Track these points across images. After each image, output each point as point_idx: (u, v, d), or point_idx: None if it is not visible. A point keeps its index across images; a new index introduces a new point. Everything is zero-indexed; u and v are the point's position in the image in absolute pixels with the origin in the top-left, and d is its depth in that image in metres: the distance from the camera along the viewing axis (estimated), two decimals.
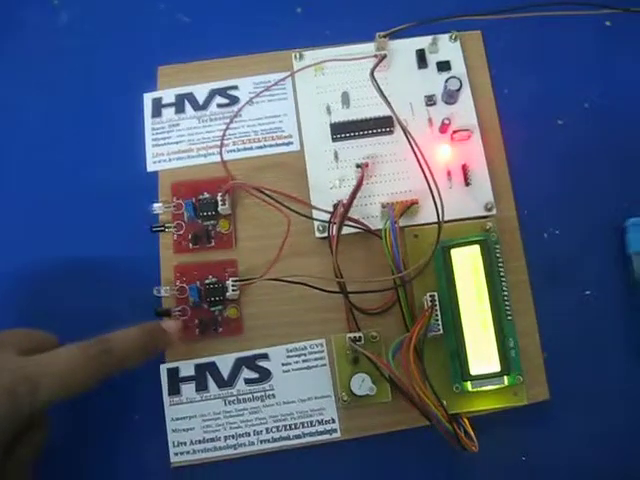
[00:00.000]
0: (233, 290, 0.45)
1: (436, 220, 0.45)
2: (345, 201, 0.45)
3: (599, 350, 0.47)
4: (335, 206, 0.45)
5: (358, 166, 0.47)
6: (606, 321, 0.48)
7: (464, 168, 0.47)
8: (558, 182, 0.50)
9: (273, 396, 0.45)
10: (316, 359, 0.46)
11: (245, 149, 0.49)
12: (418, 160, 0.44)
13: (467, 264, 0.45)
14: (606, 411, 0.47)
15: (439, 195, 0.43)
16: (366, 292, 0.45)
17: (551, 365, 0.47)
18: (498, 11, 0.49)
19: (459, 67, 0.50)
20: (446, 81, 0.48)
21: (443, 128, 0.48)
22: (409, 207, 0.46)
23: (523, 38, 0.53)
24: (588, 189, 0.50)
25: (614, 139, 0.51)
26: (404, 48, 0.50)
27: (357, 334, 0.44)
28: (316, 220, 0.46)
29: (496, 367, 0.44)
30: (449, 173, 0.47)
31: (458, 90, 0.48)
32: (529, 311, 0.47)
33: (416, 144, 0.44)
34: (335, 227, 0.44)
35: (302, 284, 0.44)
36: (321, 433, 0.45)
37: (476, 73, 0.51)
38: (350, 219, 0.46)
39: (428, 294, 0.44)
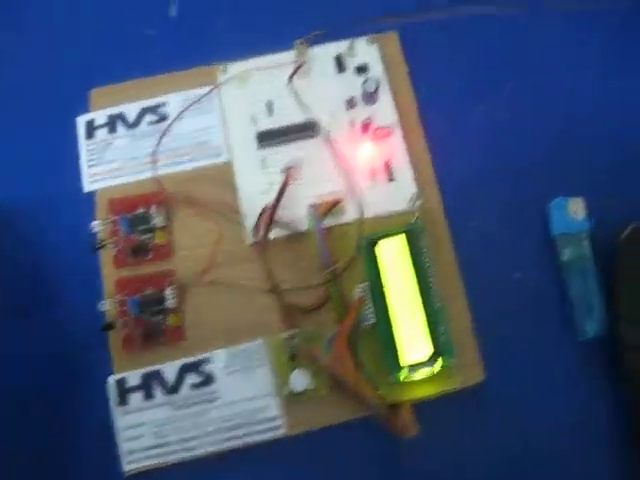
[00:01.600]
0: (172, 299, 0.46)
1: (366, 217, 0.48)
2: (270, 205, 0.46)
3: (531, 331, 0.49)
4: (261, 212, 0.46)
5: (283, 170, 0.48)
6: (536, 302, 0.50)
7: (387, 165, 0.49)
8: (481, 169, 0.52)
9: (218, 398, 0.46)
10: (257, 359, 0.47)
11: (177, 163, 0.51)
12: (336, 159, 0.46)
13: (394, 254, 0.47)
14: (540, 389, 0.48)
15: (355, 194, 0.47)
16: (298, 289, 0.46)
17: (485, 348, 0.48)
18: (413, 13, 0.50)
19: (377, 69, 0.52)
20: (363, 83, 0.49)
21: (364, 128, 0.49)
22: (334, 206, 0.47)
23: (440, 36, 0.54)
24: (512, 173, 0.52)
25: (536, 121, 0.53)
26: (323, 54, 0.52)
27: (292, 332, 0.45)
28: (246, 227, 0.47)
29: (428, 353, 0.45)
30: (373, 171, 0.49)
31: (375, 91, 0.49)
32: (460, 297, 0.48)
33: (332, 146, 0.46)
34: (261, 232, 0.45)
35: (236, 286, 0.45)
36: (267, 430, 0.46)
37: (395, 72, 0.53)
38: (279, 223, 0.47)
39: (359, 285, 0.45)
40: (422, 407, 0.46)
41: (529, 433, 0.48)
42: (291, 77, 0.49)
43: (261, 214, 0.46)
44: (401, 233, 0.47)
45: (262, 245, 0.46)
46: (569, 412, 0.48)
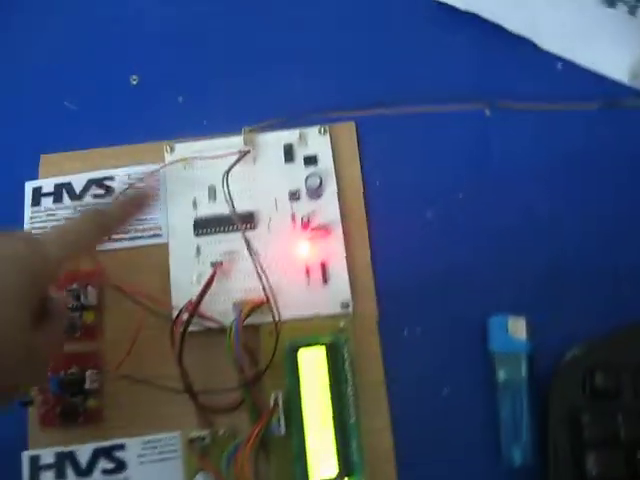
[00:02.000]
0: (91, 382, 0.46)
1: (292, 317, 0.48)
2: (193, 300, 0.45)
3: (454, 452, 0.47)
4: (181, 309, 0.45)
5: (212, 264, 0.47)
6: (463, 422, 0.48)
7: (323, 265, 0.48)
8: (424, 276, 0.50)
9: None
10: (170, 451, 0.47)
11: (118, 239, 0.50)
12: (254, 260, 0.47)
13: (314, 365, 0.46)
14: None
15: (272, 297, 0.46)
16: (211, 392, 0.45)
17: (404, 465, 0.47)
18: (369, 106, 0.49)
19: (326, 161, 0.50)
20: (306, 179, 0.48)
21: (304, 225, 0.48)
22: (258, 307, 0.46)
23: (397, 131, 0.53)
24: (454, 284, 0.50)
25: (482, 231, 0.50)
26: (273, 142, 0.51)
27: (201, 433, 0.45)
28: (169, 319, 0.48)
29: (334, 471, 0.44)
30: (307, 270, 0.48)
31: (318, 188, 0.48)
32: (382, 410, 0.47)
33: (252, 246, 0.48)
34: (178, 326, 0.44)
35: (148, 383, 0.45)
36: None
37: (346, 165, 0.51)
38: (203, 316, 0.46)
39: (273, 394, 0.45)
40: None
41: None
42: (229, 169, 0.47)
43: (182, 310, 0.45)
44: (322, 344, 0.45)
45: (176, 343, 0.44)
46: None
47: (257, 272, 0.45)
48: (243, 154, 0.49)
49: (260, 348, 0.47)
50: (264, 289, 0.45)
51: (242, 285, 0.48)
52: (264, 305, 0.47)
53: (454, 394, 0.48)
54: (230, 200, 0.46)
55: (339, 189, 0.50)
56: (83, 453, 0.47)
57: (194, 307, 0.45)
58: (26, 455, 0.48)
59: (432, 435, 0.48)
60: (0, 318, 0.34)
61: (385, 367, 0.48)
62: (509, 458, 0.46)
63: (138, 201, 0.47)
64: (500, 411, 0.47)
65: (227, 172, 0.47)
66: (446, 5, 0.55)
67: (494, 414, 0.47)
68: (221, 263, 0.47)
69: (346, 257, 0.49)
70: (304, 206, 0.49)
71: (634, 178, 0.52)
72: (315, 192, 0.48)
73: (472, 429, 0.48)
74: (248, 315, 0.46)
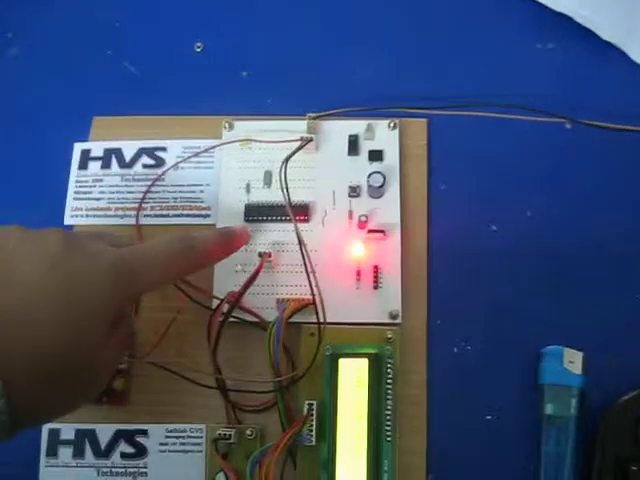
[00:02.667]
0: (120, 363, 0.44)
1: (337, 321, 0.45)
2: (236, 291, 0.43)
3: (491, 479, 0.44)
4: (222, 299, 0.43)
5: (260, 255, 0.44)
6: (503, 451, 0.45)
7: (375, 269, 0.45)
8: (480, 295, 0.47)
9: (145, 474, 0.45)
10: (193, 444, 0.45)
11: (162, 215, 0.48)
12: (304, 258, 0.44)
13: (353, 376, 0.43)
14: None
15: (319, 299, 0.43)
16: (242, 392, 0.43)
17: None
18: (445, 106, 0.46)
19: (393, 158, 0.47)
20: (369, 176, 0.45)
21: (360, 224, 0.45)
22: (303, 307, 0.43)
23: (471, 135, 0.49)
24: (510, 306, 0.47)
25: (547, 256, 0.47)
26: (337, 131, 0.48)
27: (227, 431, 0.43)
28: (209, 309, 0.45)
29: None
30: (359, 273, 0.45)
31: (381, 187, 0.45)
32: (420, 429, 0.45)
33: (304, 242, 0.44)
34: (217, 317, 0.42)
35: (178, 374, 0.43)
36: None
37: (412, 165, 0.48)
38: (244, 308, 0.44)
39: (307, 402, 0.42)
40: None
41: None
42: (289, 157, 0.44)
43: (223, 300, 0.43)
44: (365, 356, 0.42)
45: (216, 335, 0.42)
46: None
47: (306, 270, 0.42)
48: (305, 142, 0.46)
49: (299, 349, 0.44)
50: (312, 289, 0.42)
51: (288, 280, 0.46)
52: (310, 306, 0.43)
53: (497, 422, 0.45)
54: (286, 190, 0.43)
55: (402, 190, 0.47)
56: (104, 433, 0.46)
57: (236, 298, 0.43)
58: (46, 428, 0.45)
59: (468, 462, 0.45)
60: (81, 325, 0.34)
61: (429, 384, 0.45)
62: None
63: (229, 240, 0.45)
64: (543, 446, 0.44)
65: (287, 159, 0.44)
66: (539, 4, 0.50)
67: (537, 449, 0.44)
68: (269, 254, 0.45)
69: (401, 264, 0.45)
70: (363, 204, 0.46)
71: None
72: (376, 190, 0.45)
73: (511, 461, 0.45)
74: (292, 315, 0.43)
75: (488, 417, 0.45)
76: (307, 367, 0.43)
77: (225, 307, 0.43)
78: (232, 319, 0.44)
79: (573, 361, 0.45)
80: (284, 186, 0.43)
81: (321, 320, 0.43)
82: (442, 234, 0.47)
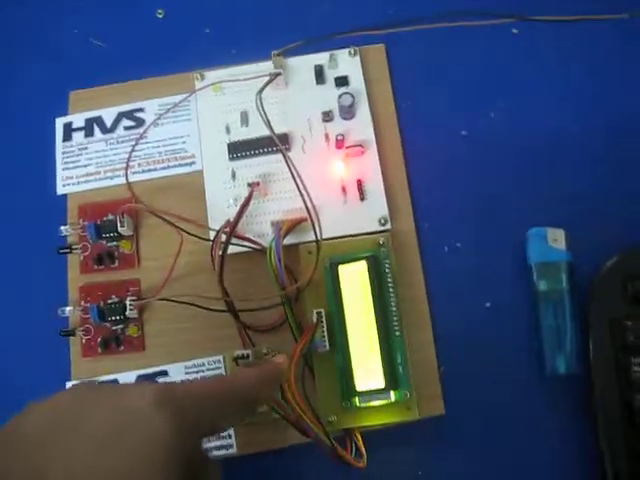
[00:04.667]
0: (131, 309, 0.46)
1: (331, 236, 0.47)
2: (231, 220, 0.45)
3: (498, 363, 0.47)
4: (221, 227, 0.45)
5: (249, 185, 0.47)
6: (506, 334, 0.48)
7: (359, 183, 0.48)
8: (461, 194, 0.49)
9: None
10: (214, 375, 0.46)
11: (150, 170, 0.50)
12: (295, 179, 0.45)
13: (355, 280, 0.45)
14: (504, 425, 0.47)
15: (314, 215, 0.46)
16: (253, 310, 0.45)
17: (448, 379, 0.47)
18: (398, 24, 0.48)
19: (357, 82, 0.50)
20: (339, 97, 0.48)
21: (338, 144, 0.48)
22: (297, 224, 0.46)
23: (428, 50, 0.53)
24: (492, 200, 0.50)
25: (518, 148, 0.50)
26: (303, 65, 0.51)
27: (245, 351, 0.44)
28: (208, 240, 0.47)
29: (381, 383, 0.43)
30: (344, 189, 0.48)
31: (351, 106, 0.48)
32: (425, 325, 0.47)
33: (292, 164, 0.46)
34: (217, 247, 0.44)
35: (190, 304, 0.45)
36: (219, 448, 0.46)
37: (377, 86, 0.51)
38: (242, 237, 0.46)
39: (315, 310, 0.44)
40: (377, 437, 0.45)
41: (490, 468, 0.46)
42: (261, 90, 0.47)
43: (220, 229, 0.45)
44: (362, 259, 0.45)
45: (216, 260, 0.44)
46: (535, 450, 0.46)
47: (298, 189, 0.44)
48: (274, 76, 0.49)
49: (299, 268, 0.46)
50: (306, 205, 0.44)
51: (280, 206, 0.48)
52: (302, 224, 0.46)
53: (496, 307, 0.48)
54: (266, 118, 0.45)
55: (371, 109, 0.50)
56: (126, 381, 0.47)
57: (232, 226, 0.45)
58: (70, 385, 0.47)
59: (476, 347, 0.48)
60: None
61: (426, 282, 0.47)
62: (553, 367, 0.46)
63: (272, 376, 0.41)
64: (542, 321, 0.46)
65: (260, 91, 0.47)
66: None
67: (537, 325, 0.47)
68: (258, 183, 0.47)
69: (382, 175, 0.48)
70: (337, 126, 0.49)
71: None
72: (348, 111, 0.48)
73: (515, 340, 0.48)
74: (287, 232, 0.45)
75: (487, 304, 0.47)
76: (310, 277, 0.44)
77: (224, 237, 0.45)
78: (233, 250, 0.46)
79: (556, 239, 0.47)
80: (263, 116, 0.46)
81: (317, 233, 0.45)
82: (415, 143, 0.50)
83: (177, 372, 0.47)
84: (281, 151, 0.45)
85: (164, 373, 0.47)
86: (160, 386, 0.33)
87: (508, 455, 0.46)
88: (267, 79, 0.49)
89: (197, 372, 0.47)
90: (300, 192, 0.44)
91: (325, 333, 0.44)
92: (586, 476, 0.45)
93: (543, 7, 0.52)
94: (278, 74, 0.49)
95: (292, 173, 0.44)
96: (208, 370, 0.47)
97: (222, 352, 0.47)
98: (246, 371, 0.41)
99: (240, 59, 0.52)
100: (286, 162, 0.44)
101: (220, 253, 0.45)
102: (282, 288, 0.44)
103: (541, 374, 0.46)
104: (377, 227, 0.47)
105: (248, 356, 0.44)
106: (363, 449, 0.44)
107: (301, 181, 0.44)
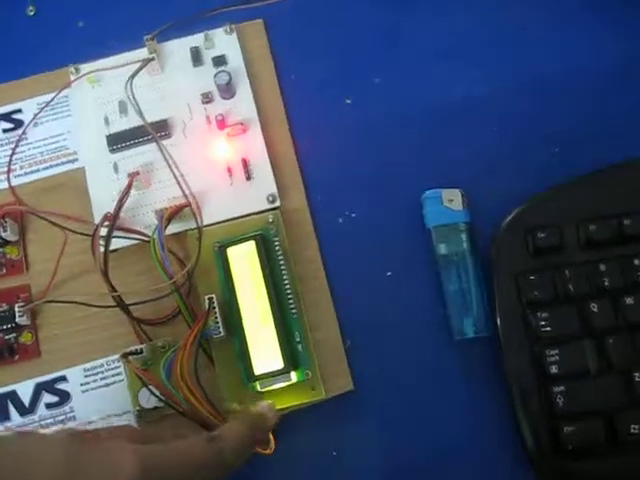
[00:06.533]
0: (20, 316, 0.44)
1: (221, 219, 0.46)
2: (111, 213, 0.43)
3: (405, 333, 0.46)
4: (98, 223, 0.43)
5: (129, 175, 0.45)
6: (411, 301, 0.47)
7: (244, 162, 0.46)
8: (352, 164, 0.48)
9: (74, 418, 0.44)
10: (113, 375, 0.45)
11: (33, 172, 0.49)
12: (170, 166, 0.45)
13: (245, 262, 0.44)
14: (417, 394, 0.46)
15: (198, 199, 0.46)
16: (144, 302, 0.43)
17: (356, 354, 0.46)
18: None
19: (236, 59, 0.49)
20: (215, 76, 0.46)
21: (219, 125, 0.46)
22: (179, 211, 0.44)
23: (308, 19, 0.51)
24: (384, 167, 0.49)
25: (406, 112, 0.49)
26: (178, 47, 0.50)
27: (138, 347, 0.43)
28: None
29: (280, 364, 0.42)
30: (230, 170, 0.46)
31: (228, 84, 0.46)
32: (326, 301, 0.46)
33: (167, 152, 0.46)
34: (97, 241, 0.42)
35: (79, 303, 0.44)
36: None
37: (257, 62, 0.50)
38: (127, 229, 0.44)
39: (206, 297, 0.43)
40: (288, 420, 0.44)
41: (406, 440, 0.45)
42: (132, 77, 0.45)
43: (99, 224, 0.43)
44: (251, 239, 0.43)
45: (104, 256, 0.43)
46: (451, 417, 0.45)
47: (174, 175, 0.43)
48: (147, 61, 0.47)
49: (190, 255, 0.44)
50: (183, 192, 0.43)
51: (165, 195, 0.47)
52: (187, 209, 0.44)
53: (398, 275, 0.47)
54: (137, 106, 0.44)
55: (253, 87, 0.49)
56: (25, 390, 0.46)
57: (113, 218, 0.43)
58: None
59: (381, 318, 0.46)
60: None
61: (323, 257, 0.46)
62: (461, 331, 0.45)
63: (256, 432, 0.41)
64: (446, 285, 0.45)
65: (131, 78, 0.45)
66: None
67: (441, 289, 0.45)
68: (137, 172, 0.45)
69: (268, 151, 0.47)
70: (218, 107, 0.48)
71: (558, 37, 0.50)
72: (227, 90, 0.47)
73: (421, 307, 0.46)
74: (170, 220, 0.44)
75: (389, 273, 0.46)
76: (194, 263, 0.42)
77: (105, 231, 0.43)
78: (123, 244, 0.45)
79: (452, 199, 0.46)
80: (134, 104, 0.44)
81: (198, 219, 0.45)
82: (301, 117, 0.49)
83: (76, 376, 0.45)
84: (155, 139, 0.43)
85: (63, 378, 0.45)
86: (144, 453, 0.33)
87: (423, 425, 0.45)
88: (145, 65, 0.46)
89: (96, 374, 0.45)
90: (176, 179, 0.42)
91: (219, 319, 0.43)
92: (505, 440, 0.44)
93: None
94: (150, 59, 0.47)
95: (167, 160, 0.42)
96: (107, 371, 0.45)
97: (120, 351, 0.45)
98: (231, 435, 0.38)
99: (118, 49, 0.50)
100: (160, 149, 0.42)
101: (103, 248, 0.43)
102: (170, 277, 0.42)
103: (450, 339, 0.45)
104: (266, 205, 0.46)
105: (141, 351, 0.43)
106: (270, 434, 0.42)
107: (177, 168, 0.44)
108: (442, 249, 0.46)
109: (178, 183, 0.43)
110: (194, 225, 0.45)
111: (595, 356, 0.43)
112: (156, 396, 0.41)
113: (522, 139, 0.48)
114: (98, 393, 0.45)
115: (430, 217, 0.46)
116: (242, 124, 0.46)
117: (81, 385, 0.45)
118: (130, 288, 0.45)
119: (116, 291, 0.43)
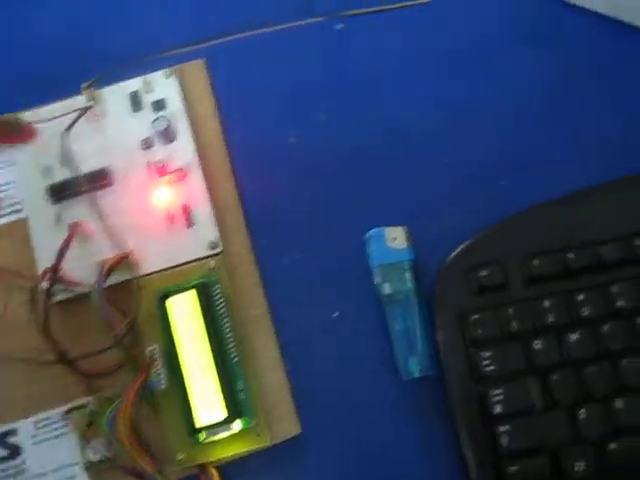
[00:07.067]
0: None
1: (163, 267, 0.46)
2: (51, 266, 0.43)
3: (353, 374, 0.46)
4: (42, 274, 0.43)
5: (69, 227, 0.45)
6: (358, 342, 0.47)
7: (185, 209, 0.46)
8: (296, 203, 0.48)
9: (25, 471, 0.45)
10: (63, 427, 0.45)
11: None
12: (102, 217, 0.45)
13: (186, 311, 0.44)
14: (365, 435, 0.46)
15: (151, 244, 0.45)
16: (85, 357, 0.43)
17: (303, 397, 0.46)
18: (215, 36, 0.47)
19: (176, 103, 0.48)
20: (152, 123, 0.46)
21: (159, 171, 0.46)
22: (120, 262, 0.44)
23: (250, 58, 0.51)
24: (328, 206, 0.48)
25: (351, 148, 0.49)
26: (117, 93, 0.49)
27: (81, 401, 0.43)
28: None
29: (223, 414, 0.42)
30: (171, 217, 0.46)
31: (167, 130, 0.46)
32: (271, 345, 0.46)
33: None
34: (36, 296, 0.42)
35: (19, 359, 0.44)
36: None
37: (198, 105, 0.49)
38: (69, 282, 0.44)
39: (148, 348, 0.43)
40: (235, 468, 0.45)
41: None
42: (69, 128, 0.45)
43: (41, 277, 0.43)
44: (192, 288, 0.43)
45: (44, 311, 0.43)
46: (400, 457, 0.45)
47: (107, 229, 0.43)
48: (83, 111, 0.46)
49: (128, 307, 0.44)
50: (116, 244, 0.44)
51: (109, 245, 0.46)
52: (128, 260, 0.44)
53: (345, 316, 0.47)
54: (75, 156, 0.44)
55: (195, 129, 0.48)
56: None
57: (53, 270, 0.43)
58: None
59: (329, 361, 0.46)
60: None
61: (269, 300, 0.46)
62: (407, 370, 0.44)
63: None
64: (391, 325, 0.45)
65: (69, 128, 0.45)
66: None
67: (387, 329, 0.46)
68: (79, 223, 0.45)
69: (210, 196, 0.47)
70: (159, 152, 0.47)
71: (480, 67, 0.49)
72: (166, 135, 0.46)
73: (368, 347, 0.47)
74: (111, 271, 0.44)
75: (335, 314, 0.46)
76: (132, 317, 0.42)
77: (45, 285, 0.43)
78: (65, 296, 0.45)
79: (395, 237, 0.46)
80: (73, 153, 0.44)
81: (140, 269, 0.46)
82: (245, 158, 0.48)
83: (26, 429, 0.46)
84: (87, 191, 0.43)
85: (13, 432, 0.45)
86: None
87: (372, 466, 0.45)
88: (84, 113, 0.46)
89: (46, 425, 0.45)
90: (110, 231, 0.42)
91: (161, 370, 0.42)
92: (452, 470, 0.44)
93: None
94: (89, 107, 0.47)
95: (98, 212, 0.42)
96: (58, 422, 0.46)
97: (69, 402, 0.45)
98: None
99: (56, 97, 0.50)
100: (92, 204, 0.42)
101: (44, 299, 0.43)
102: (111, 330, 0.42)
103: (398, 379, 0.45)
104: (208, 252, 0.46)
105: (86, 405, 0.43)
106: None
107: (113, 221, 0.46)
108: (386, 288, 0.45)
109: (112, 236, 0.43)
110: (139, 274, 0.45)
111: (539, 393, 0.42)
112: (99, 451, 0.41)
113: (468, 172, 0.48)
114: (49, 445, 0.45)
115: (374, 256, 0.46)
116: (182, 170, 0.46)
117: (32, 437, 0.45)
118: (73, 341, 0.45)
119: (58, 345, 0.43)
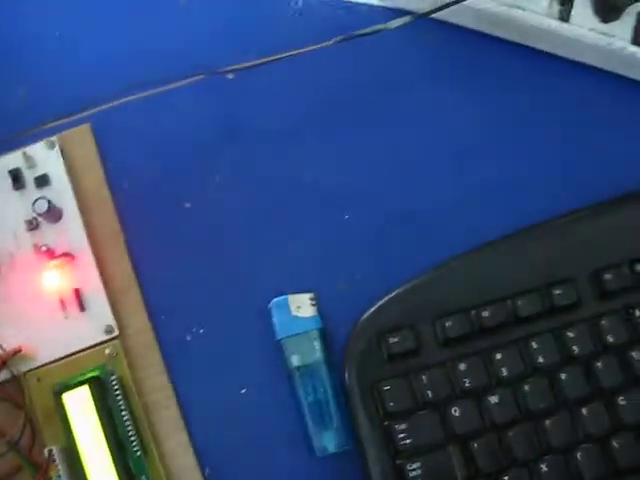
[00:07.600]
0: None
1: (57, 357, 0.44)
2: None
3: (267, 452, 0.44)
4: None
5: None
6: (269, 419, 0.45)
7: (77, 293, 0.43)
8: (196, 274, 0.46)
9: None
10: None
11: None
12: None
13: (81, 407, 0.42)
14: None
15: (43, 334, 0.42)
16: None
17: (214, 477, 0.44)
18: (100, 101, 0.43)
19: (60, 177, 0.45)
20: (33, 204, 0.43)
21: (47, 254, 0.43)
22: (10, 357, 0.41)
23: (139, 122, 0.47)
24: (230, 277, 0.46)
25: (250, 210, 0.46)
26: None
27: None
28: None
29: None
30: (62, 302, 0.43)
31: (50, 210, 0.43)
32: (179, 429, 0.44)
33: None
34: None
35: None
36: None
37: (85, 175, 0.46)
38: None
39: (46, 449, 0.40)
40: None
41: None
42: None
43: None
44: (84, 383, 0.41)
45: None
46: None
47: None
48: None
49: (30, 400, 0.42)
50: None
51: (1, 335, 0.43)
52: (19, 354, 0.42)
53: (253, 391, 0.45)
54: None
55: (82, 203, 0.45)
56: None
57: None
58: None
59: (239, 440, 0.44)
60: None
61: (173, 381, 0.44)
62: (321, 447, 0.42)
63: None
64: (302, 398, 0.43)
65: None
66: None
67: (296, 406, 0.44)
68: None
69: (102, 276, 0.44)
70: (45, 233, 0.44)
71: (385, 110, 0.46)
72: (51, 215, 0.43)
73: (280, 424, 0.44)
74: (3, 365, 0.41)
75: (243, 390, 0.44)
76: (27, 414, 0.40)
77: None
78: None
79: (300, 306, 0.43)
80: None
81: (37, 360, 0.43)
82: (138, 230, 0.45)
83: None
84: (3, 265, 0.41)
85: None
86: None
87: None
88: None
89: None
90: (27, 311, 0.43)
91: (61, 471, 0.40)
92: None
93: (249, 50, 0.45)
94: None
95: (14, 291, 0.40)
96: None
97: None
98: None
99: None
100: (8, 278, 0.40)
101: None
102: (4, 435, 0.40)
103: (313, 456, 0.43)
104: (104, 337, 0.43)
105: None
106: None
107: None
108: (295, 361, 0.43)
109: (29, 317, 0.41)
110: (32, 366, 0.42)
111: (461, 462, 0.41)
112: None
113: (377, 227, 0.45)
114: None
115: (279, 327, 0.44)
116: (69, 254, 0.43)
117: None
118: None
119: None
